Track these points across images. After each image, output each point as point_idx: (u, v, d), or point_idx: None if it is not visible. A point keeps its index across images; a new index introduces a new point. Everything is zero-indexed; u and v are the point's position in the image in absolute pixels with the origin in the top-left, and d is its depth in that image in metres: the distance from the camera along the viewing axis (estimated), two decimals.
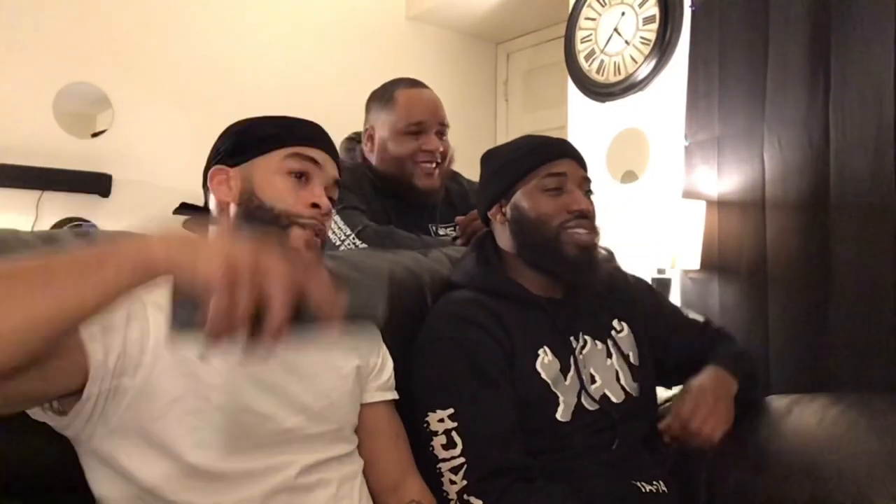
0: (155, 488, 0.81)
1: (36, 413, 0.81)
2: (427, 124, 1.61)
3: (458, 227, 1.66)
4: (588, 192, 1.23)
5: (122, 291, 0.58)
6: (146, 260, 0.57)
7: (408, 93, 1.65)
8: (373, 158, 1.67)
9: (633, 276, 1.43)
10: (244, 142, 0.98)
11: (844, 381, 1.79)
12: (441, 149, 1.63)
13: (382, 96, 1.67)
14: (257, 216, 0.93)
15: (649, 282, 2.19)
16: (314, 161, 0.97)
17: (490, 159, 1.29)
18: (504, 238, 1.25)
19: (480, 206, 1.31)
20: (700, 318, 1.40)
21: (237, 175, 0.96)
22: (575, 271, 1.20)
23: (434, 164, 1.62)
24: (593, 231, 1.20)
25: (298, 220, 0.93)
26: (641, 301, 1.35)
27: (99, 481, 0.84)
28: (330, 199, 0.99)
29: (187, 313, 0.56)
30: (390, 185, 1.64)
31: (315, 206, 0.95)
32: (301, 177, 0.96)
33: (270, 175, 0.95)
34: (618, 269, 1.44)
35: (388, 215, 1.64)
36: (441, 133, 1.65)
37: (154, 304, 0.83)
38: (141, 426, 0.81)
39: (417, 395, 1.13)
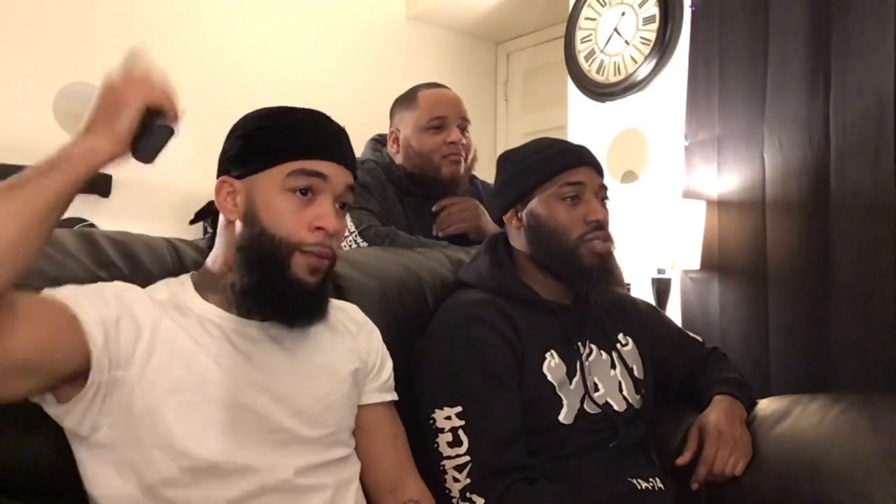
0: (153, 484, 0.82)
1: (46, 403, 0.82)
2: (449, 119, 1.66)
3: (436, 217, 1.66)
4: (604, 200, 1.23)
5: (79, 180, 0.77)
6: (84, 148, 0.79)
7: (429, 91, 1.71)
8: (398, 159, 1.70)
9: (642, 301, 1.45)
10: (247, 152, 0.93)
11: (844, 381, 1.79)
12: (464, 141, 1.68)
13: (405, 99, 1.72)
14: (260, 243, 0.89)
15: (649, 282, 2.21)
16: (320, 175, 0.91)
17: (507, 162, 1.28)
18: (519, 242, 1.25)
19: (495, 209, 1.30)
20: (698, 338, 1.42)
21: (242, 190, 0.91)
22: (591, 280, 1.21)
23: (459, 156, 1.66)
24: (609, 240, 1.20)
25: (301, 248, 0.89)
26: (649, 325, 1.37)
27: (97, 480, 0.83)
28: (344, 204, 0.95)
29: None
30: (416, 182, 1.67)
31: (320, 227, 0.90)
32: (307, 192, 0.90)
33: (272, 194, 0.90)
34: (627, 294, 1.47)
35: (407, 218, 1.66)
36: (463, 128, 1.69)
37: (149, 300, 0.88)
38: (140, 417, 0.82)
39: (423, 392, 1.13)
